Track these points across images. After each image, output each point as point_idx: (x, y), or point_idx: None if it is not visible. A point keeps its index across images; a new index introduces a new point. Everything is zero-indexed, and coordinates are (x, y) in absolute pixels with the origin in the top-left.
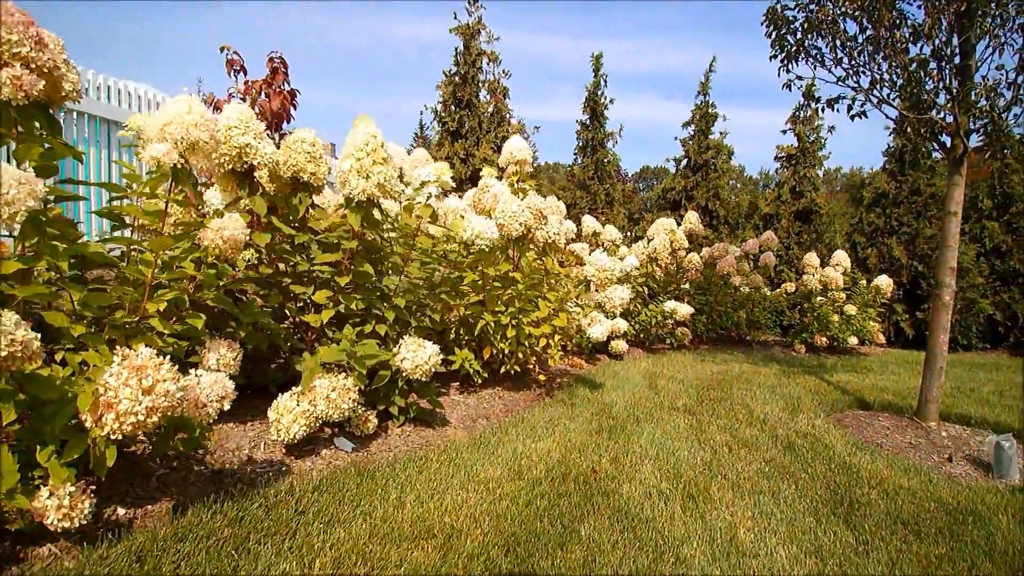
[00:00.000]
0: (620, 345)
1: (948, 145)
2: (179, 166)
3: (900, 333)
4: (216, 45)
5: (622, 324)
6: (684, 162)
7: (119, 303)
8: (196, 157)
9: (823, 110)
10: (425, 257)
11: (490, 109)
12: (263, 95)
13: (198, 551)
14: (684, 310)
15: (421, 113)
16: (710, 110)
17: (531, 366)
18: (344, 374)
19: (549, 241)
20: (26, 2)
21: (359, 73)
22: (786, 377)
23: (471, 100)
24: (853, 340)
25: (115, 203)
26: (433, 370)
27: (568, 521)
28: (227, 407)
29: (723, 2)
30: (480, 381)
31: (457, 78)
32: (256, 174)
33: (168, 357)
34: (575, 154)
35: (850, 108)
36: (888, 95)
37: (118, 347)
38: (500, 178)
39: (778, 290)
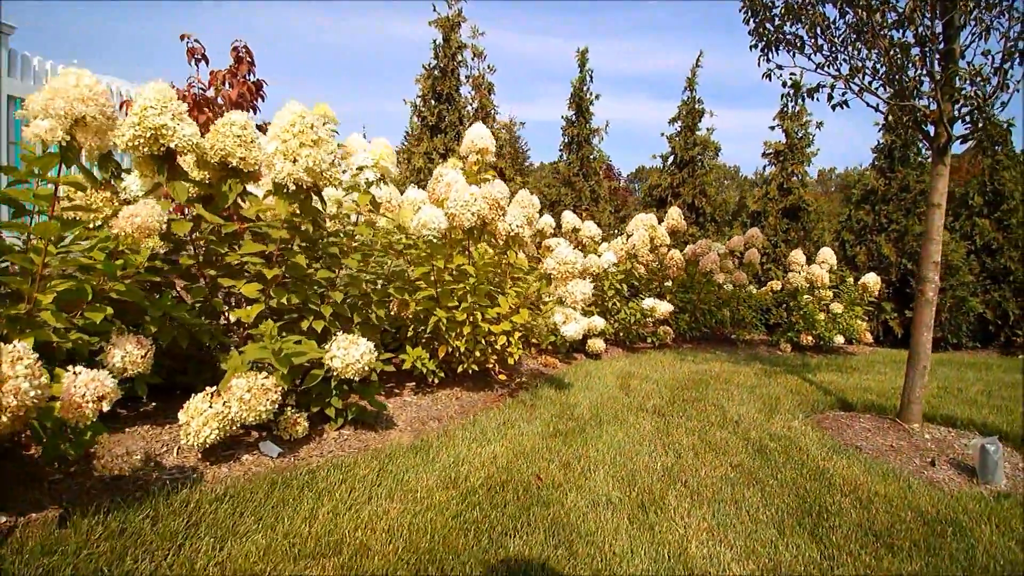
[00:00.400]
0: (597, 344)
1: (932, 134)
2: (64, 144)
3: (889, 332)
4: (216, 44)
5: (599, 322)
6: (670, 159)
7: (19, 294)
8: (86, 135)
9: (804, 100)
10: (368, 249)
11: (474, 105)
12: (227, 85)
13: (64, 566)
14: (664, 308)
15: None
16: (697, 106)
17: (491, 365)
18: (265, 373)
19: (512, 234)
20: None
21: (352, 73)
22: (767, 377)
23: (451, 94)
24: (840, 339)
25: (18, 187)
26: (368, 369)
27: (497, 535)
28: (106, 408)
29: (719, 1)
30: (436, 381)
31: (436, 71)
32: (181, 159)
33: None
34: (560, 150)
35: (831, 97)
36: (870, 83)
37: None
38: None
39: (764, 288)
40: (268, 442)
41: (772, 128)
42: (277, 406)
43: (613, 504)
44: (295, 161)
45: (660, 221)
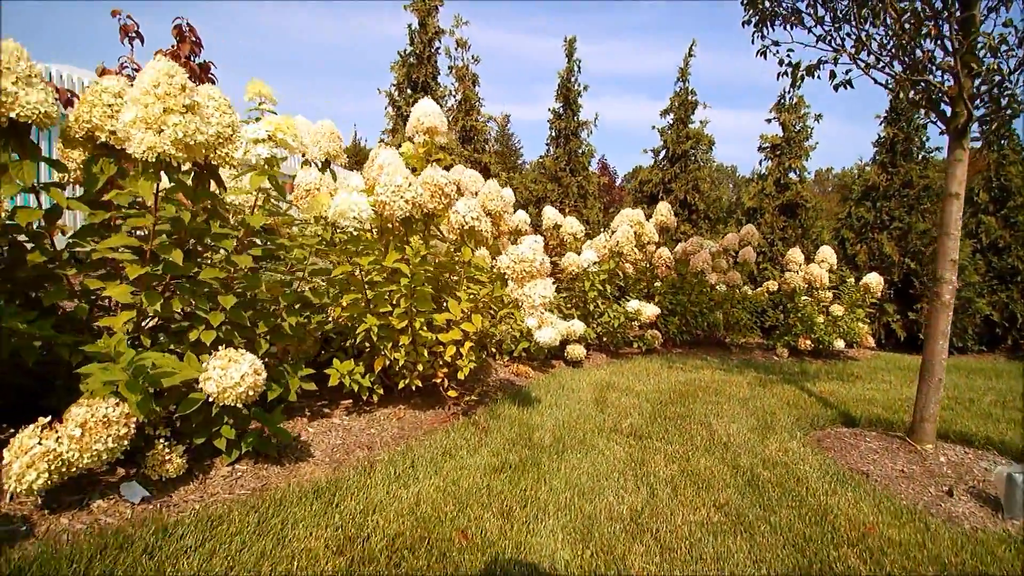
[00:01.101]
0: (577, 350)
1: (948, 114)
2: None
3: (891, 335)
4: (214, 43)
5: (578, 327)
6: (662, 153)
7: None
8: None
9: (803, 80)
10: (274, 243)
11: (457, 96)
12: None
13: None
14: (649, 311)
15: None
16: (690, 97)
17: (440, 380)
18: (116, 400)
19: (466, 227)
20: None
21: (350, 73)
22: (762, 387)
23: (428, 82)
24: (840, 343)
25: None
26: (251, 393)
27: None
28: None
29: (718, 1)
30: (376, 398)
31: (412, 58)
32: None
33: None
34: (547, 144)
35: (833, 75)
36: (877, 59)
37: None
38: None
39: (759, 288)
40: (132, 483)
41: (768, 121)
42: (129, 441)
43: (557, 571)
44: (160, 131)
45: (650, 218)
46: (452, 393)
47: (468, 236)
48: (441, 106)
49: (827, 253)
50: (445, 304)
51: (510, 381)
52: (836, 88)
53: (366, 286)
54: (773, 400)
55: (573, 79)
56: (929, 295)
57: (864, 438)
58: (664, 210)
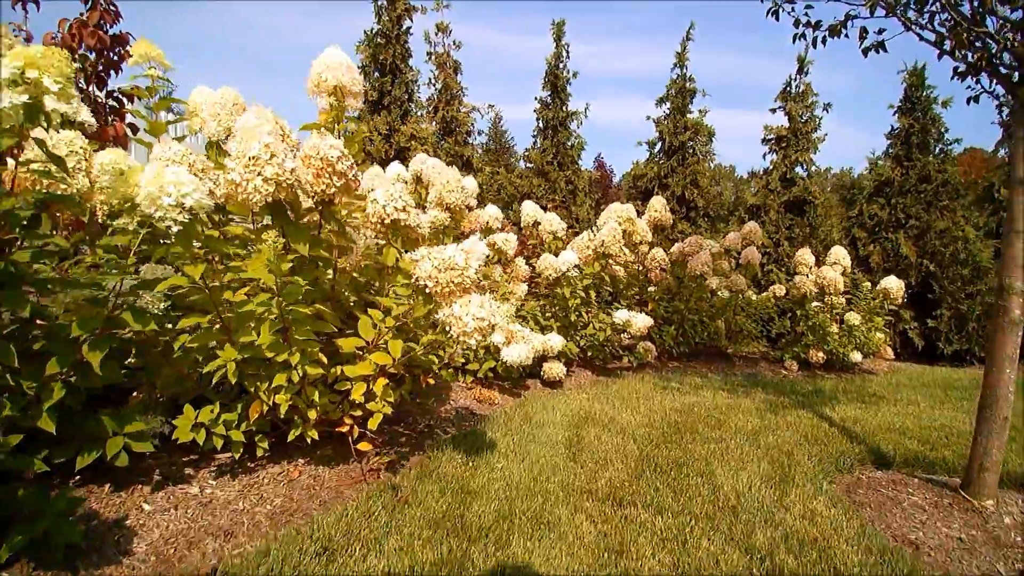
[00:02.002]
0: (555, 369)
1: (1015, 79)
2: None
3: (907, 343)
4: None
5: (556, 342)
6: (658, 145)
7: None
8: None
9: (824, 41)
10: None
11: (438, 85)
12: (77, 40)
13: None
14: (640, 322)
15: None
16: (688, 84)
17: (346, 428)
18: None
19: (387, 219)
20: None
21: None
22: (773, 414)
23: (396, 64)
24: (856, 356)
25: None
26: None
27: None
28: None
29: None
30: (260, 453)
31: (379, 38)
32: None
33: None
34: (534, 136)
35: (864, 35)
36: (915, 14)
37: None
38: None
39: (765, 293)
40: None
41: (773, 111)
42: None
43: None
44: None
45: (643, 215)
46: (364, 446)
47: (393, 233)
48: (413, 92)
49: (840, 254)
50: (352, 327)
51: (469, 410)
52: (865, 53)
53: (221, 305)
54: (788, 433)
55: (561, 65)
56: (993, 310)
57: (905, 489)
58: (658, 205)
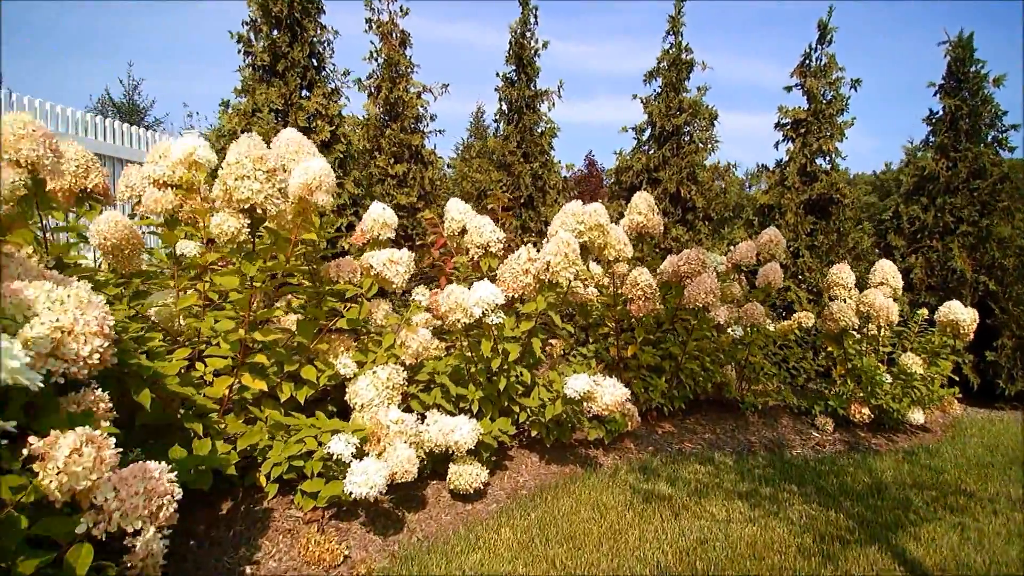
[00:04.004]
0: (466, 476)
1: None
2: None
3: (959, 379)
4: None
5: (464, 434)
6: (647, 131)
7: None
8: None
9: None
10: None
11: (380, 59)
12: None
13: None
14: (610, 396)
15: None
16: (684, 55)
17: None
18: None
19: None
20: None
21: None
22: (831, 562)
23: (296, 18)
24: (917, 416)
25: None
26: None
27: None
28: None
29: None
30: None
31: None
32: None
33: None
34: (495, 120)
35: None
36: None
37: None
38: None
39: (787, 323)
40: None
41: (788, 90)
42: None
43: None
44: None
45: (622, 219)
46: None
47: None
48: (324, 58)
49: (888, 271)
50: None
51: None
52: None
53: None
54: None
55: (528, 34)
56: None
57: None
58: (643, 206)
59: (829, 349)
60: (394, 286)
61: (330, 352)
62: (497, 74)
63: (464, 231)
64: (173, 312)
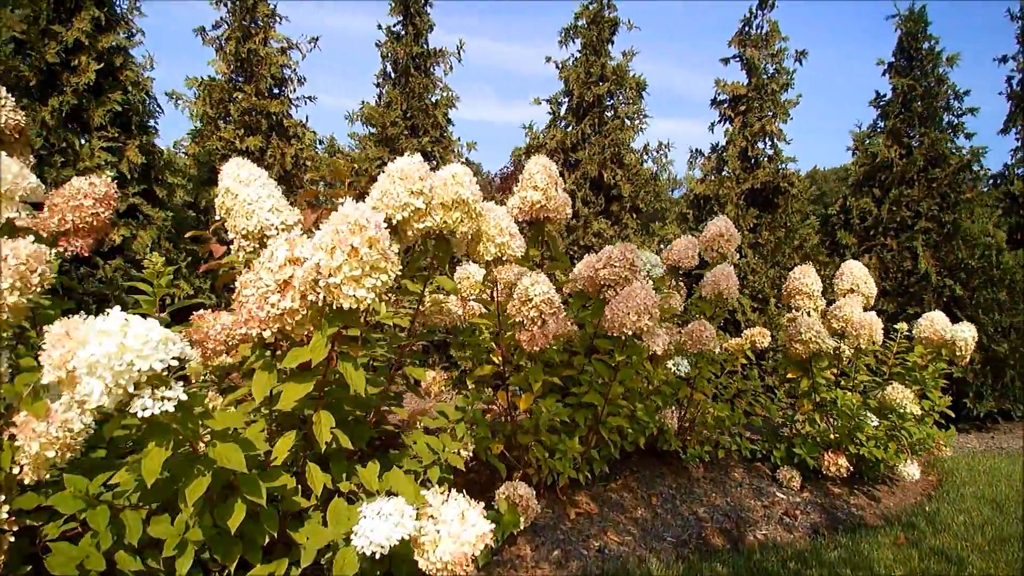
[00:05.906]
0: None
1: None
2: None
3: (954, 416)
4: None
5: None
6: (563, 104)
7: None
8: None
9: None
10: None
11: (228, 5)
12: None
13: None
14: (452, 546)
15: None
16: (607, 12)
17: None
18: None
19: None
20: None
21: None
22: None
23: None
24: (911, 470)
25: None
26: None
27: None
28: None
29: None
30: None
31: None
32: None
33: None
34: (376, 84)
35: None
36: None
37: None
38: None
39: (735, 340)
40: None
41: (725, 62)
42: None
43: None
44: None
45: (507, 200)
46: None
47: None
48: None
49: (859, 275)
50: None
51: None
52: None
53: None
54: None
55: None
56: None
57: None
58: (540, 177)
59: (791, 376)
60: None
61: None
62: (379, 26)
63: (249, 232)
64: None
